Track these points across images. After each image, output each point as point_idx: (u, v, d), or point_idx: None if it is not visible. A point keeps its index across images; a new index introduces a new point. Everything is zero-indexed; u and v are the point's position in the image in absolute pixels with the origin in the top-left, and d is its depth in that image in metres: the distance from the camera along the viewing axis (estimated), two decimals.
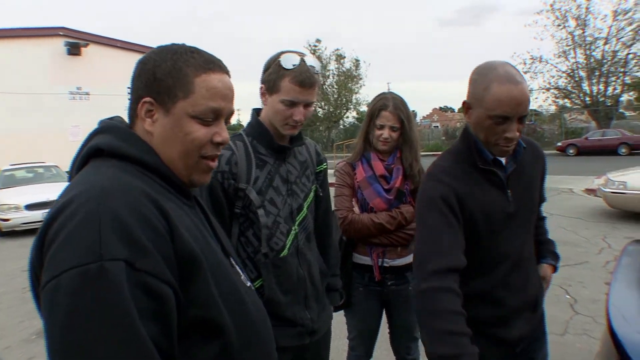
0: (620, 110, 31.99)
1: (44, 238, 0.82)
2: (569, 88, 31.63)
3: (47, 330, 0.77)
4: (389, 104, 2.32)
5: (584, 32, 29.78)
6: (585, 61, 30.31)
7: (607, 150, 22.00)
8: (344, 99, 41.00)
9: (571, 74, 31.10)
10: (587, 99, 31.05)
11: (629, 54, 28.89)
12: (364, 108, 44.33)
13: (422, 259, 1.46)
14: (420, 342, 2.57)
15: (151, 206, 0.87)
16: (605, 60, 29.72)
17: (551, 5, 29.67)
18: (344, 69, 40.59)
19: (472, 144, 1.59)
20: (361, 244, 2.39)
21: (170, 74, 0.97)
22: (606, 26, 29.32)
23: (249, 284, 1.14)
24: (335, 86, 40.53)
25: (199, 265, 0.92)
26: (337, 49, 41.58)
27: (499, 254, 1.57)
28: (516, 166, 1.64)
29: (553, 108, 33.26)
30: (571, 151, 23.86)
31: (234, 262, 1.12)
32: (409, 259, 2.39)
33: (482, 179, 1.58)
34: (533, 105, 31.72)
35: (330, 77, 40.46)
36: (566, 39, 30.47)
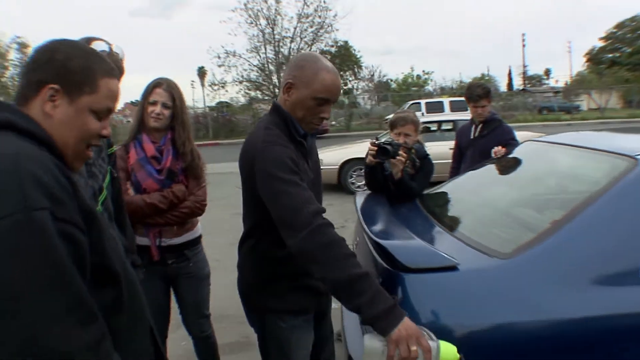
0: None
1: None
2: (260, 81, 35.15)
3: None
4: (163, 83, 2.43)
5: (273, 31, 33.44)
6: (274, 57, 34.09)
7: None
8: None
9: (262, 68, 34.62)
10: (277, 90, 35.08)
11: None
12: None
13: (295, 207, 1.63)
14: (211, 320, 2.73)
15: (56, 169, 1.00)
16: (291, 57, 33.93)
17: (245, 4, 32.23)
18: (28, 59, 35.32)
19: (287, 119, 1.84)
20: (139, 225, 2.42)
21: (82, 71, 1.12)
22: (292, 27, 33.60)
23: None
24: (18, 79, 35.06)
25: (94, 218, 1.06)
26: (19, 37, 35.97)
27: None
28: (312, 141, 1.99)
29: (243, 100, 36.22)
30: None
31: None
32: (186, 237, 2.55)
33: (296, 148, 1.84)
34: (225, 98, 34.29)
35: (12, 68, 34.60)
36: (257, 35, 33.70)
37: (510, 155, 3.25)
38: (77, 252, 0.96)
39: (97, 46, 1.68)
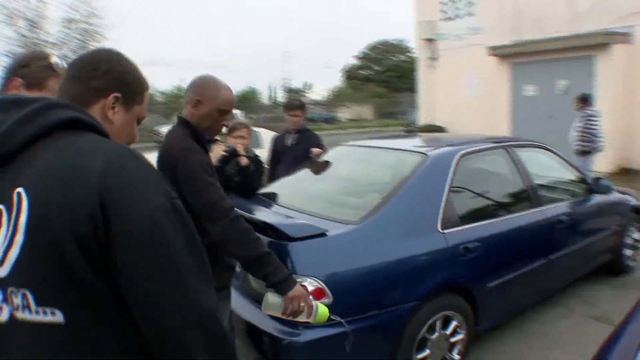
0: None
1: (101, 191, 0.94)
2: None
3: (162, 247, 0.97)
4: None
5: (35, 35, 30.23)
6: None
7: None
8: None
9: None
10: None
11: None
12: None
13: (215, 202, 2.08)
14: None
15: None
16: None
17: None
18: None
19: (196, 129, 2.29)
20: None
21: (138, 83, 1.27)
22: (57, 31, 30.76)
23: None
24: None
25: None
26: None
27: None
28: None
29: None
30: None
31: None
32: None
33: (205, 151, 2.33)
34: None
35: None
36: (17, 39, 30.14)
37: (327, 157, 4.20)
38: None
39: (56, 59, 1.94)
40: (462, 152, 3.21)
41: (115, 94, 1.20)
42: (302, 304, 2.10)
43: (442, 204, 2.93)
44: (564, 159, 4.38)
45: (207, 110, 2.30)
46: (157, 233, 0.97)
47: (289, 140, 5.11)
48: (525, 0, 11.96)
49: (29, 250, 0.93)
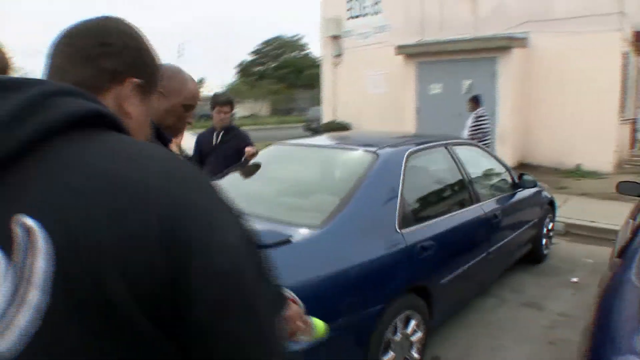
0: None
1: (166, 215, 0.64)
2: None
3: (244, 287, 0.69)
4: None
5: None
6: None
7: None
8: None
9: None
10: None
11: None
12: None
13: None
14: None
15: None
16: None
17: None
18: None
19: (158, 127, 1.94)
20: None
21: (155, 64, 0.97)
22: None
23: None
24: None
25: None
26: None
27: None
28: None
29: None
30: None
31: None
32: None
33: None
34: None
35: None
36: None
37: (262, 157, 4.05)
38: None
39: None
40: (410, 150, 3.25)
41: (133, 79, 0.90)
42: (298, 323, 1.86)
43: (398, 203, 2.94)
44: (492, 156, 4.62)
45: (170, 105, 2.01)
46: (239, 271, 0.69)
47: (216, 139, 4.87)
48: (431, 1, 12.48)
49: (53, 313, 0.59)
